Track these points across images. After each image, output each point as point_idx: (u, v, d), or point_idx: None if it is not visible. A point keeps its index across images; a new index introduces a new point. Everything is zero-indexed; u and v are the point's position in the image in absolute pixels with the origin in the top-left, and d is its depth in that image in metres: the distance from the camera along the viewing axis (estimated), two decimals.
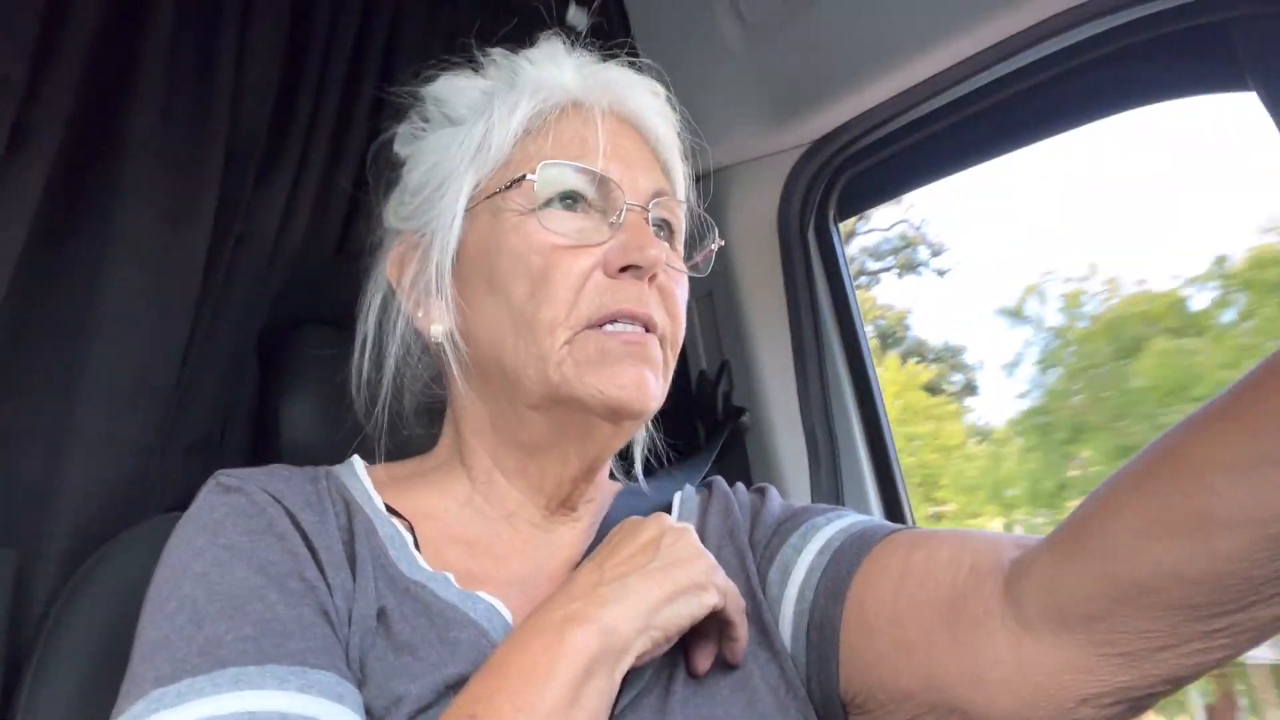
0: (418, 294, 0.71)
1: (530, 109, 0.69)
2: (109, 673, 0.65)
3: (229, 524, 0.58)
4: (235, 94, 0.96)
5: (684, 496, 0.77)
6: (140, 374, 0.86)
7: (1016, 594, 0.54)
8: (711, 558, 0.63)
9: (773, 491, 0.77)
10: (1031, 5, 0.90)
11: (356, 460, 0.72)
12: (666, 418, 0.77)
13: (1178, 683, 0.50)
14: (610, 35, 0.79)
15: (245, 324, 0.98)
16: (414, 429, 0.76)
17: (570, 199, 0.67)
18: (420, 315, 0.71)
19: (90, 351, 0.83)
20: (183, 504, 0.86)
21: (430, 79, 0.75)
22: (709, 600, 0.60)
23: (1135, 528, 0.48)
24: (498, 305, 0.66)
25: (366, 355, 0.75)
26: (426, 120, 0.75)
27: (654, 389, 0.65)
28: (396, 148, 0.77)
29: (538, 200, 0.66)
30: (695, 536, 0.64)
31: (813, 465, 1.16)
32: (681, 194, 0.75)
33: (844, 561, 0.65)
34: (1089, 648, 0.51)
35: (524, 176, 0.66)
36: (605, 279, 0.65)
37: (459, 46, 0.76)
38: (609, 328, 0.64)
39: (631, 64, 0.74)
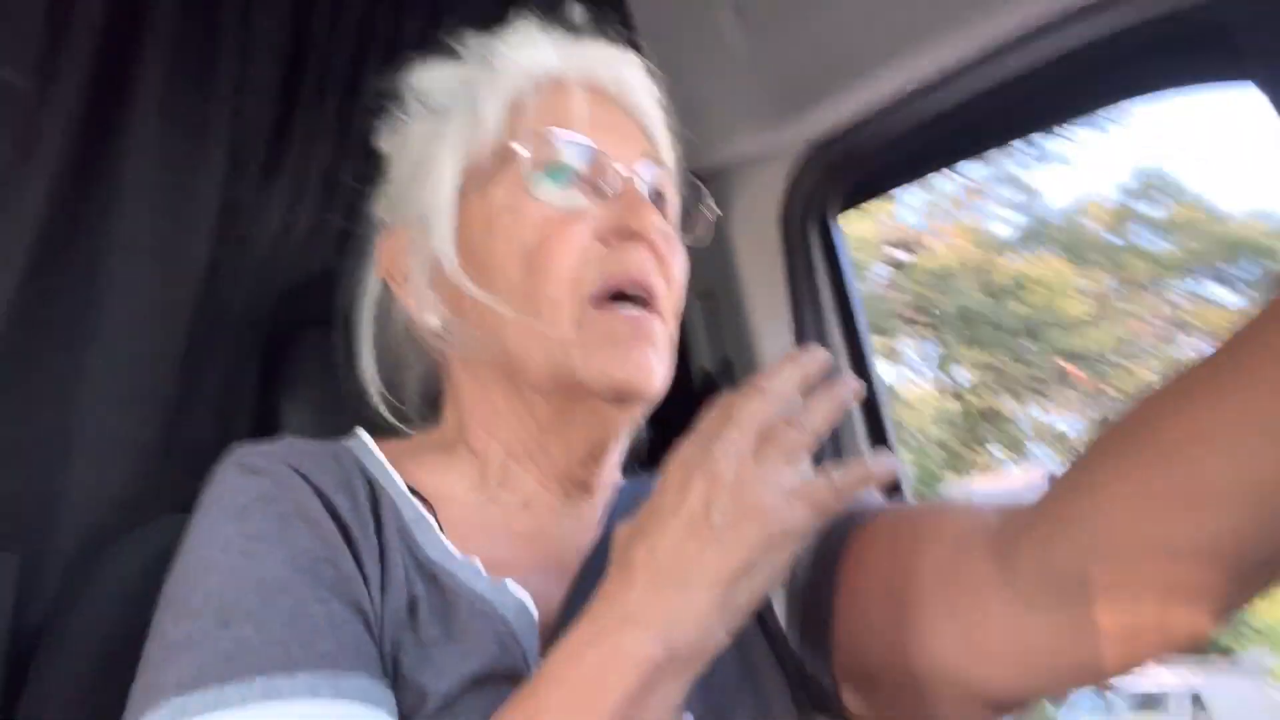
0: (411, 284, 0.70)
1: (512, 87, 0.68)
2: (111, 676, 0.65)
3: (256, 510, 0.55)
4: (237, 95, 0.96)
5: None
6: (143, 377, 0.86)
7: (1011, 565, 0.53)
8: (802, 461, 0.52)
9: None
10: (1037, 3, 0.90)
11: (364, 435, 0.70)
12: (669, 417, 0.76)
13: (1169, 649, 0.50)
14: (611, 33, 0.78)
15: (248, 326, 0.98)
16: (418, 420, 0.76)
17: (560, 172, 0.66)
18: (414, 305, 0.69)
19: (92, 354, 0.83)
20: (186, 506, 0.86)
21: (401, 73, 0.74)
22: (794, 549, 0.50)
23: (1122, 503, 0.47)
24: (495, 287, 0.65)
25: (367, 355, 0.73)
26: (406, 114, 0.74)
27: (659, 369, 0.64)
28: (380, 144, 0.76)
29: (527, 176, 0.65)
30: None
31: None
32: (669, 164, 0.73)
33: (833, 540, 0.64)
34: (1085, 620, 0.50)
35: (512, 152, 0.65)
36: (604, 249, 0.63)
37: (427, 41, 0.75)
38: (616, 309, 0.63)
39: (608, 38, 0.73)
